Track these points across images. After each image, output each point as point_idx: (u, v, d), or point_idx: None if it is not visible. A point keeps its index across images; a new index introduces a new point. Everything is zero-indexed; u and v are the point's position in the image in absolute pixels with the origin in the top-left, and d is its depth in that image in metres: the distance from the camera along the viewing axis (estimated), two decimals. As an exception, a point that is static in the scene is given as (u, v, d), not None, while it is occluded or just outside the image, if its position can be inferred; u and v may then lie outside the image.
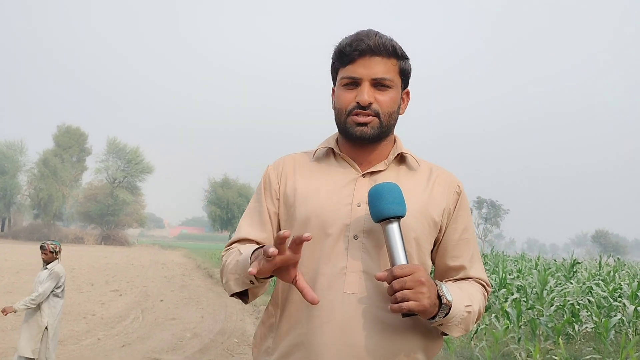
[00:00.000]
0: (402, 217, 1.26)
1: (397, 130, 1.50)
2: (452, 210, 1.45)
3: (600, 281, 10.95)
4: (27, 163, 62.39)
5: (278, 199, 1.49)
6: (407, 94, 1.49)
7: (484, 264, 15.34)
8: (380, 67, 1.37)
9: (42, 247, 5.28)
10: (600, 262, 14.69)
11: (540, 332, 7.61)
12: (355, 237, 1.35)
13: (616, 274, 12.64)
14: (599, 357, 6.57)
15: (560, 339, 6.58)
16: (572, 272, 12.03)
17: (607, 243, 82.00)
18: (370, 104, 1.36)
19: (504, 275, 11.10)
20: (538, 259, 14.48)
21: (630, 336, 7.39)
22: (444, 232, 1.44)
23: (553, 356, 6.52)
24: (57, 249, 5.30)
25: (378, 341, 1.29)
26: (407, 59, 1.43)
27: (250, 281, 1.29)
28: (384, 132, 1.41)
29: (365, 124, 1.37)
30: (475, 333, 7.65)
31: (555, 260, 16.22)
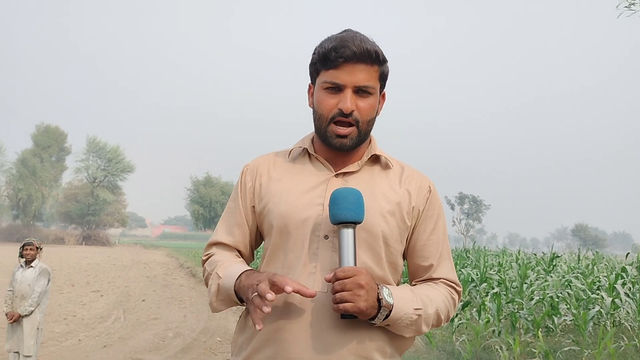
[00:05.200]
0: (357, 222, 1.30)
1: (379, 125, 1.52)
2: (422, 210, 1.47)
3: (579, 274, 11.14)
4: (5, 163, 61.33)
5: (253, 200, 1.53)
6: (383, 96, 1.51)
7: (466, 259, 15.49)
8: (363, 75, 1.38)
9: (28, 244, 5.25)
10: (579, 256, 14.93)
11: (520, 326, 7.71)
12: (326, 237, 1.38)
13: (595, 267, 12.86)
14: (578, 348, 6.68)
15: (539, 332, 6.67)
16: (551, 266, 12.19)
17: (587, 237, 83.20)
18: (352, 111, 1.38)
19: (484, 269, 11.21)
20: (519, 253, 14.62)
21: (608, 327, 7.53)
22: (414, 232, 1.47)
23: (533, 349, 6.62)
24: (41, 246, 5.36)
25: (345, 337, 1.32)
26: (387, 62, 1.44)
27: (236, 302, 1.39)
28: (362, 140, 1.43)
29: (345, 136, 1.40)
30: (456, 327, 7.72)
31: (535, 254, 16.38)
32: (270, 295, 1.20)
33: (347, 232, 1.28)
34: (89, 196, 60.13)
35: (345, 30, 1.43)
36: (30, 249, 5.23)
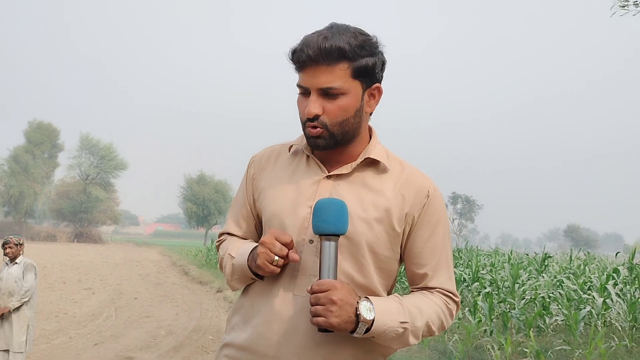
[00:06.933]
0: (339, 234, 1.28)
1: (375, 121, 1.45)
2: (417, 216, 1.40)
3: (570, 275, 11.21)
4: (-3, 160, 61.02)
5: (255, 192, 1.54)
6: (377, 89, 1.40)
7: (458, 259, 15.52)
8: (324, 77, 1.31)
9: (6, 243, 5.21)
10: (571, 256, 15.01)
11: (512, 325, 7.74)
12: (311, 242, 1.37)
13: (586, 268, 12.94)
14: (569, 348, 6.72)
15: (531, 332, 6.70)
16: (543, 266, 12.24)
17: (579, 237, 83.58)
18: (317, 115, 1.33)
19: (476, 269, 11.25)
20: (511, 253, 14.69)
21: (599, 328, 7.57)
22: (409, 238, 1.42)
23: (524, 348, 6.65)
24: (21, 242, 5.27)
25: (322, 342, 1.32)
26: (369, 54, 1.34)
27: (252, 278, 1.41)
28: (339, 140, 1.37)
29: (317, 137, 1.36)
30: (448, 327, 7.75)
31: (527, 254, 16.46)
32: (295, 256, 1.31)
33: (329, 245, 1.27)
34: (81, 193, 59.83)
35: (328, 25, 1.37)
36: (10, 247, 5.18)
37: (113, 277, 17.60)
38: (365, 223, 1.35)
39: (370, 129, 1.48)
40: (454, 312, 1.44)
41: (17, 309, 5.08)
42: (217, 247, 1.60)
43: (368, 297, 1.30)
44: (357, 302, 1.25)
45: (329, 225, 1.26)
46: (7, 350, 5.05)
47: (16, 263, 5.18)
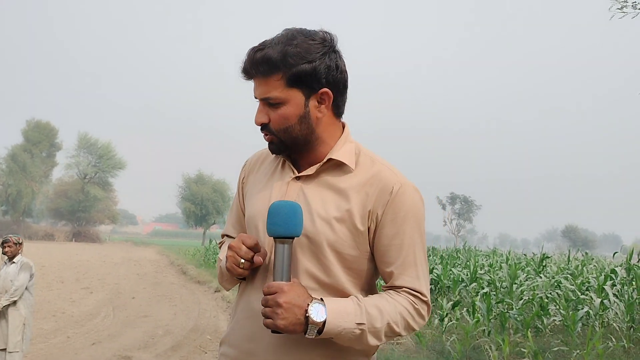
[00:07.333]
0: (292, 236, 1.31)
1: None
2: (380, 214, 1.38)
3: (568, 275, 11.19)
4: (-6, 158, 60.92)
5: (244, 196, 1.60)
6: (325, 94, 1.39)
7: (456, 259, 15.51)
8: (261, 88, 1.37)
9: (5, 241, 5.21)
10: (569, 257, 15.01)
11: (510, 326, 7.75)
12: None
13: (584, 268, 12.91)
14: (567, 349, 6.73)
15: (529, 332, 6.70)
16: (541, 267, 12.24)
17: (577, 238, 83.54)
18: (263, 124, 1.40)
19: (474, 269, 11.25)
20: (509, 253, 14.71)
21: (597, 328, 7.58)
22: (374, 237, 1.41)
23: (522, 349, 6.66)
24: (20, 241, 5.27)
25: (291, 340, 1.35)
26: (306, 62, 1.34)
27: (237, 278, 1.48)
28: (289, 146, 1.42)
29: (270, 142, 1.44)
30: (446, 327, 7.75)
31: (525, 254, 16.48)
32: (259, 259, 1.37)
33: (282, 247, 1.30)
34: (79, 192, 59.77)
35: (280, 32, 1.40)
36: (9, 246, 5.19)
37: (111, 277, 17.59)
38: (326, 223, 1.36)
39: (343, 128, 1.49)
40: (424, 313, 1.41)
41: (13, 307, 5.07)
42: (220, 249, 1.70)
43: (323, 298, 1.30)
44: (308, 305, 1.27)
45: (279, 228, 1.29)
46: (4, 350, 5.05)
47: (14, 262, 5.18)
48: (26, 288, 5.16)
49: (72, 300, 11.67)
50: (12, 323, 5.05)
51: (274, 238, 1.31)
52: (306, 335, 1.27)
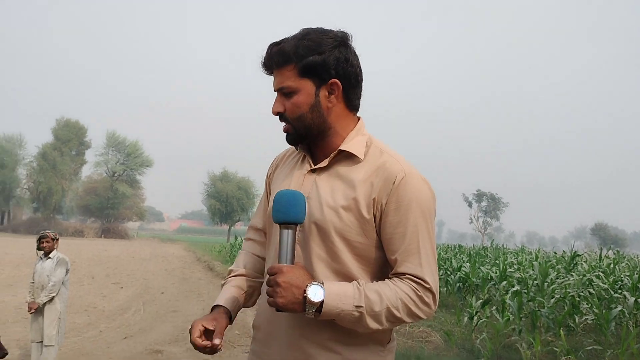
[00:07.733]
0: (296, 223, 1.39)
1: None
2: (384, 202, 1.43)
3: (600, 273, 10.97)
4: (26, 157, 62.41)
5: (270, 191, 1.69)
6: (334, 84, 1.47)
7: (484, 257, 15.37)
8: (278, 79, 1.49)
9: (44, 237, 5.32)
10: (600, 255, 14.73)
11: (541, 324, 7.64)
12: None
13: (616, 267, 12.66)
14: (600, 348, 6.60)
15: (561, 331, 6.60)
16: (572, 265, 12.04)
17: (606, 236, 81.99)
18: (280, 113, 1.50)
19: (504, 267, 11.12)
20: (538, 251, 14.52)
21: (631, 328, 7.41)
22: (380, 225, 1.45)
23: (554, 347, 6.54)
24: (57, 237, 5.41)
25: (302, 322, 1.44)
26: (317, 53, 1.44)
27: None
28: (303, 135, 1.52)
29: (287, 133, 1.53)
30: (476, 325, 7.67)
31: (555, 252, 16.24)
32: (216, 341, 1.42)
33: (286, 233, 1.38)
34: (108, 190, 60.84)
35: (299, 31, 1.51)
36: (47, 241, 5.30)
37: (140, 272, 17.84)
38: (334, 211, 1.43)
39: (357, 121, 1.56)
40: (428, 300, 1.41)
41: (50, 302, 5.18)
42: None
43: (324, 282, 1.36)
44: (307, 286, 1.33)
45: (281, 214, 1.37)
46: (41, 342, 5.17)
47: (50, 258, 5.28)
48: (62, 283, 5.27)
49: (103, 295, 11.87)
50: (47, 317, 5.16)
51: (279, 224, 1.39)
52: (306, 314, 1.34)
